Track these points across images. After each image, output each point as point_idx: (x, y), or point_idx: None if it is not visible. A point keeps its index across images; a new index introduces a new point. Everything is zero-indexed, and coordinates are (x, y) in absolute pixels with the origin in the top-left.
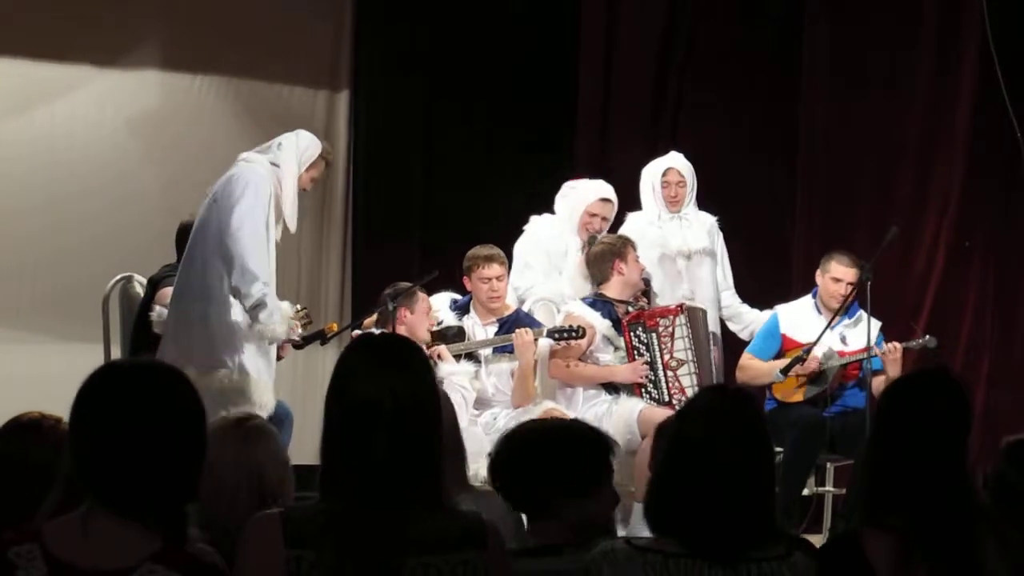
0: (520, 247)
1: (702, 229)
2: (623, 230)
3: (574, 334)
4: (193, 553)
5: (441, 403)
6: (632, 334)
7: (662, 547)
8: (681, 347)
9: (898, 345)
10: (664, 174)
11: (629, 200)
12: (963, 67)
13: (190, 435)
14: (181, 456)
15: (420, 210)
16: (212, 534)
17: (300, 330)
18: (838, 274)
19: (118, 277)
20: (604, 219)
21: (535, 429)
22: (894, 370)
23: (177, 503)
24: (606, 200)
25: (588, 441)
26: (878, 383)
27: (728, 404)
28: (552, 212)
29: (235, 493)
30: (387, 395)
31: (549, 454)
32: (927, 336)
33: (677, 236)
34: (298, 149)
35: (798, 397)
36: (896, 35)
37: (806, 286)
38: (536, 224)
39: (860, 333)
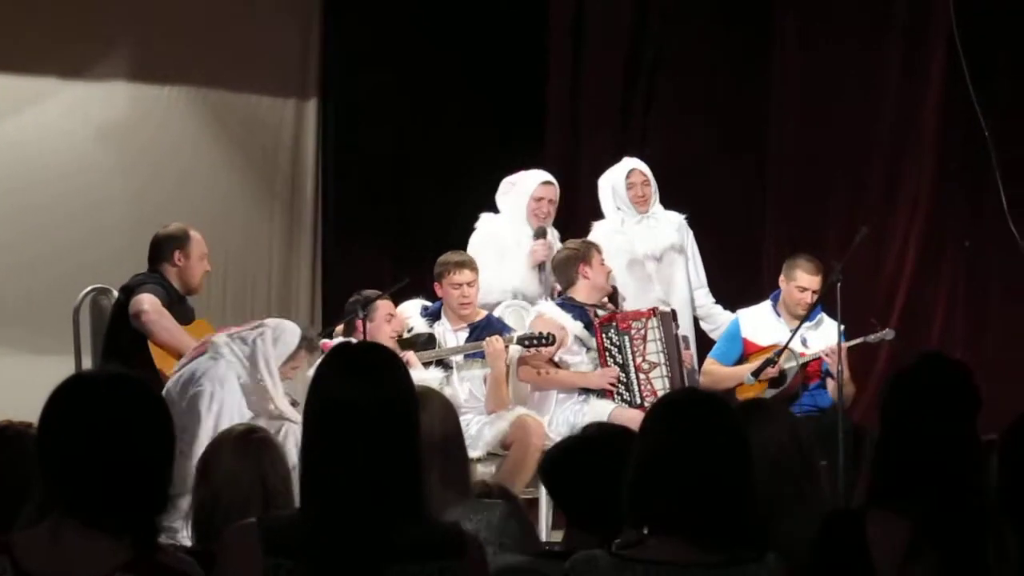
0: (471, 244)
1: (671, 227)
2: (590, 238)
3: (544, 341)
4: (164, 562)
5: (443, 412)
6: (604, 336)
7: (644, 555)
8: (653, 350)
9: (844, 346)
10: (628, 176)
11: (599, 205)
12: (931, 67)
13: (158, 445)
14: (149, 466)
15: (391, 216)
16: (213, 545)
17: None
18: (803, 283)
19: (89, 288)
20: (550, 201)
21: (603, 436)
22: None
23: (146, 513)
24: (547, 183)
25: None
26: (832, 386)
27: (703, 403)
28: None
29: (240, 504)
30: (366, 403)
31: (611, 462)
32: (886, 329)
33: (645, 239)
34: (278, 346)
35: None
36: (864, 35)
37: (777, 286)
38: (485, 220)
39: (821, 335)
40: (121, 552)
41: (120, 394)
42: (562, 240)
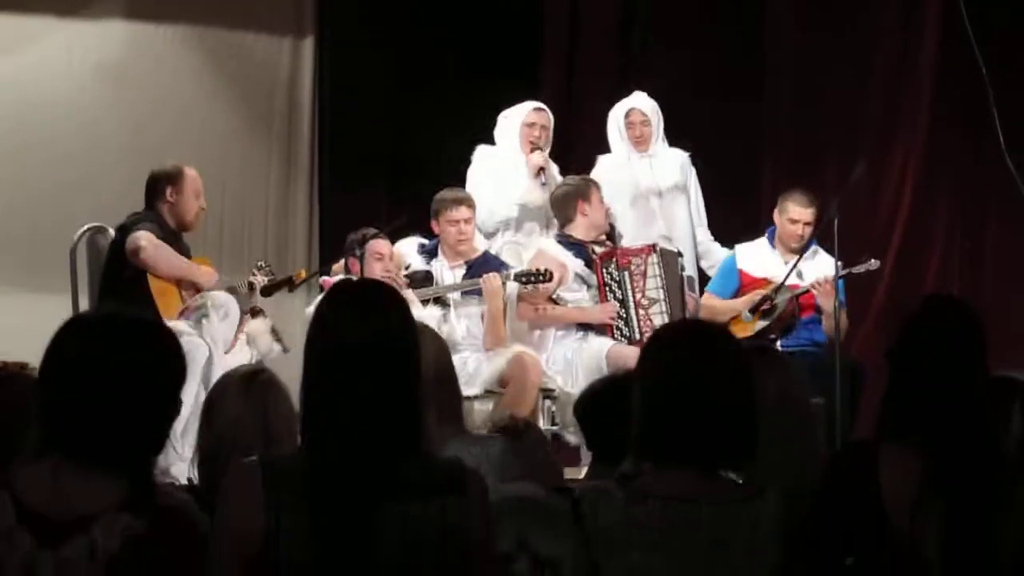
0: (469, 175)
1: (674, 165)
2: (594, 173)
3: (541, 277)
4: (161, 503)
5: (436, 348)
6: (604, 271)
7: (654, 489)
8: (653, 286)
9: (828, 277)
10: (627, 115)
11: (600, 143)
12: (928, 4)
13: (158, 386)
14: (148, 407)
15: (387, 155)
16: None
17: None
18: (795, 215)
19: (86, 227)
20: (542, 127)
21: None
22: (827, 303)
23: (143, 452)
24: (538, 109)
25: None
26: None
27: (701, 332)
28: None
29: (244, 446)
30: (366, 340)
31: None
32: (871, 260)
33: (647, 175)
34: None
35: (741, 332)
36: None
37: (774, 222)
38: (481, 152)
39: (816, 267)
40: (117, 491)
41: (120, 335)
42: (561, 176)
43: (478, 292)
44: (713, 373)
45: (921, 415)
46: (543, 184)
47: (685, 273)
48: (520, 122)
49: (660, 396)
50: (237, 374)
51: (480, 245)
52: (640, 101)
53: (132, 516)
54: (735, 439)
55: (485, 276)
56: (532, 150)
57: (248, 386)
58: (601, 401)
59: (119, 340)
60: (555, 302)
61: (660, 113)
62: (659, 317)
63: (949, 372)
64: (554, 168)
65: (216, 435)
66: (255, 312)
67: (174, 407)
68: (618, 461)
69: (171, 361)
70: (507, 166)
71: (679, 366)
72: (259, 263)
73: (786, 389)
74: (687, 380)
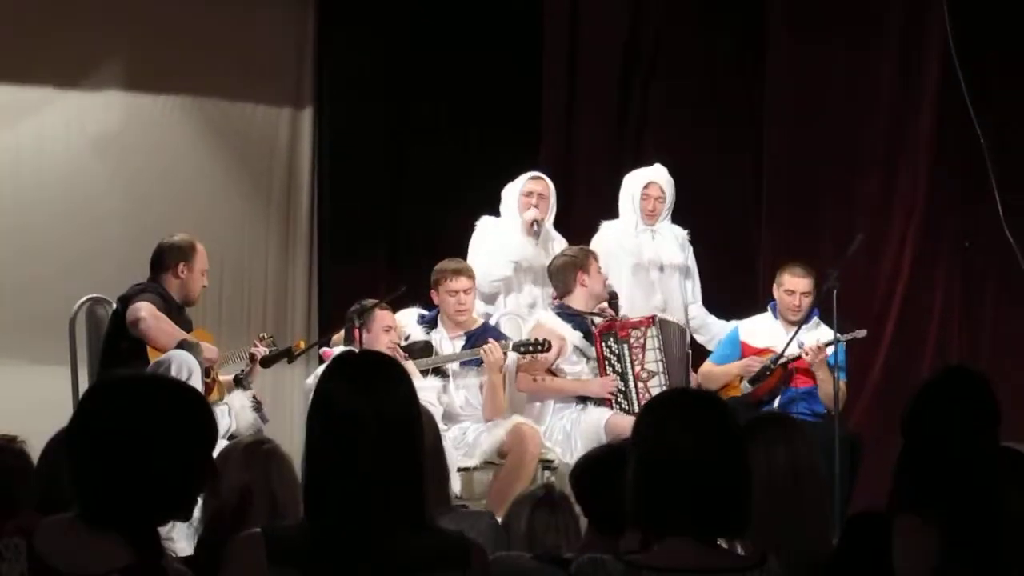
0: (471, 244)
1: (675, 243)
2: (598, 237)
3: (540, 347)
4: (167, 566)
5: (424, 422)
6: (604, 344)
7: (651, 561)
8: (652, 359)
9: (820, 345)
10: (645, 187)
11: (597, 209)
12: (925, 71)
13: (187, 451)
14: (176, 472)
15: (386, 226)
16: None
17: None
18: (790, 286)
19: (85, 298)
20: (540, 195)
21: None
22: (822, 371)
23: (162, 518)
24: (536, 178)
25: None
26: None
27: (693, 401)
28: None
29: (249, 515)
30: (369, 412)
31: None
32: (859, 330)
33: (650, 247)
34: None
35: (734, 393)
36: (859, 41)
37: (772, 294)
38: (484, 221)
39: (817, 337)
40: (123, 555)
41: (151, 398)
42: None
43: (477, 362)
44: (704, 442)
45: (937, 486)
46: (537, 239)
47: (689, 352)
48: (518, 192)
49: (652, 466)
50: (241, 444)
51: (479, 316)
52: (660, 175)
53: None
54: (729, 508)
55: (486, 346)
56: (530, 219)
57: (253, 455)
58: (597, 470)
59: (149, 404)
60: (554, 374)
61: (674, 189)
62: (658, 389)
63: (965, 443)
64: (558, 237)
65: (221, 504)
66: (237, 381)
67: (204, 473)
68: (615, 530)
69: (202, 426)
70: (502, 233)
71: (670, 436)
72: (261, 334)
73: (800, 457)
74: (678, 450)
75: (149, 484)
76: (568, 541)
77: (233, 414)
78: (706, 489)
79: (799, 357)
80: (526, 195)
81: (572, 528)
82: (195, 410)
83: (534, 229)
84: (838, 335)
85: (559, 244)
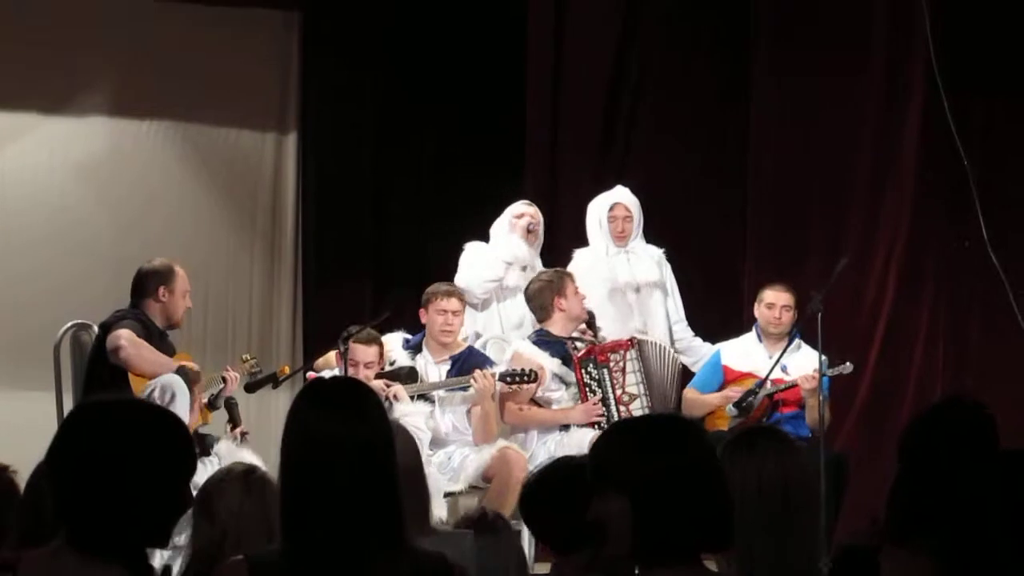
0: (460, 264)
1: (651, 262)
2: (572, 266)
3: (526, 378)
4: None
5: (404, 444)
6: (584, 371)
7: None
8: (633, 381)
9: (812, 375)
10: (611, 209)
11: (581, 238)
12: (909, 97)
13: (167, 477)
14: (157, 498)
15: (370, 251)
16: None
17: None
18: (770, 299)
19: (69, 324)
20: (531, 216)
21: (578, 464)
22: (812, 398)
23: (146, 544)
24: (526, 203)
25: None
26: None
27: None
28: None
29: (245, 540)
30: (342, 438)
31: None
32: (845, 363)
33: (625, 270)
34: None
35: (722, 425)
36: (844, 67)
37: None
38: (471, 245)
39: (800, 361)
40: None
41: (132, 423)
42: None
43: (463, 387)
44: (670, 467)
45: (932, 517)
46: (531, 245)
47: (673, 362)
48: (510, 216)
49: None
50: (237, 470)
51: (464, 339)
52: (624, 196)
53: None
54: (704, 529)
55: (477, 373)
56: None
57: (250, 482)
58: (548, 490)
59: (129, 428)
60: (536, 403)
61: (641, 209)
62: (640, 412)
63: (964, 475)
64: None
65: (218, 530)
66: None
67: (184, 499)
68: (572, 547)
69: (179, 453)
70: (499, 251)
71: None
72: (244, 356)
73: (791, 472)
74: (643, 476)
75: (127, 509)
76: (505, 563)
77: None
78: (677, 514)
79: (787, 388)
80: (517, 216)
81: (509, 551)
82: (173, 436)
83: (530, 232)
84: (824, 370)
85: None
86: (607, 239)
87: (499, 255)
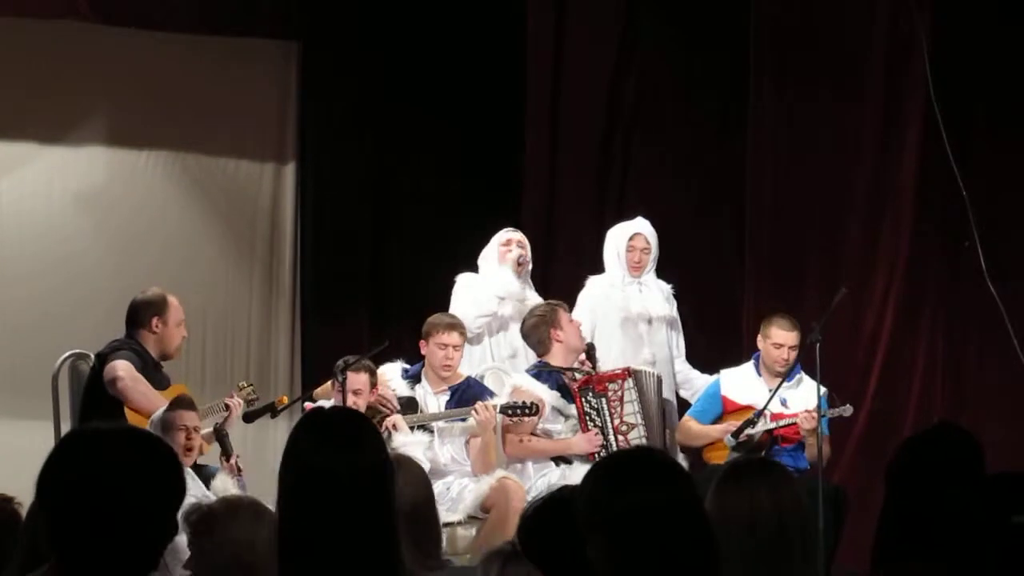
0: (452, 299)
1: (660, 296)
2: (585, 292)
3: (528, 411)
4: None
5: (414, 477)
6: (583, 400)
7: None
8: (631, 411)
9: (812, 415)
10: (631, 239)
11: (579, 264)
12: (908, 126)
13: (155, 503)
14: (144, 523)
15: (369, 281)
16: None
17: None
18: (779, 339)
19: (67, 354)
20: (519, 243)
21: (574, 493)
22: (811, 438)
23: (136, 570)
24: (510, 230)
25: None
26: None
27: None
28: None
29: (255, 568)
30: (339, 469)
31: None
32: (845, 405)
33: (637, 301)
34: None
35: (719, 459)
36: (841, 94)
37: (756, 346)
38: (463, 278)
39: (801, 395)
40: None
41: (120, 450)
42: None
43: (462, 418)
44: (653, 506)
45: (921, 541)
46: (520, 278)
47: (664, 397)
48: (496, 244)
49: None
50: (246, 500)
51: (464, 371)
52: (644, 227)
53: None
54: (686, 566)
55: (478, 405)
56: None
57: (256, 512)
58: (546, 523)
59: (119, 454)
60: (535, 435)
61: (658, 242)
62: (638, 441)
63: (951, 499)
64: (533, 293)
65: (226, 559)
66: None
67: (171, 525)
68: None
69: (169, 478)
70: (489, 277)
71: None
72: (240, 383)
73: (786, 503)
74: (628, 513)
75: (116, 536)
76: None
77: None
78: (661, 552)
79: (787, 425)
80: (504, 244)
81: None
82: (162, 462)
83: (520, 265)
84: (824, 410)
85: (534, 297)
86: (623, 269)
87: (492, 291)
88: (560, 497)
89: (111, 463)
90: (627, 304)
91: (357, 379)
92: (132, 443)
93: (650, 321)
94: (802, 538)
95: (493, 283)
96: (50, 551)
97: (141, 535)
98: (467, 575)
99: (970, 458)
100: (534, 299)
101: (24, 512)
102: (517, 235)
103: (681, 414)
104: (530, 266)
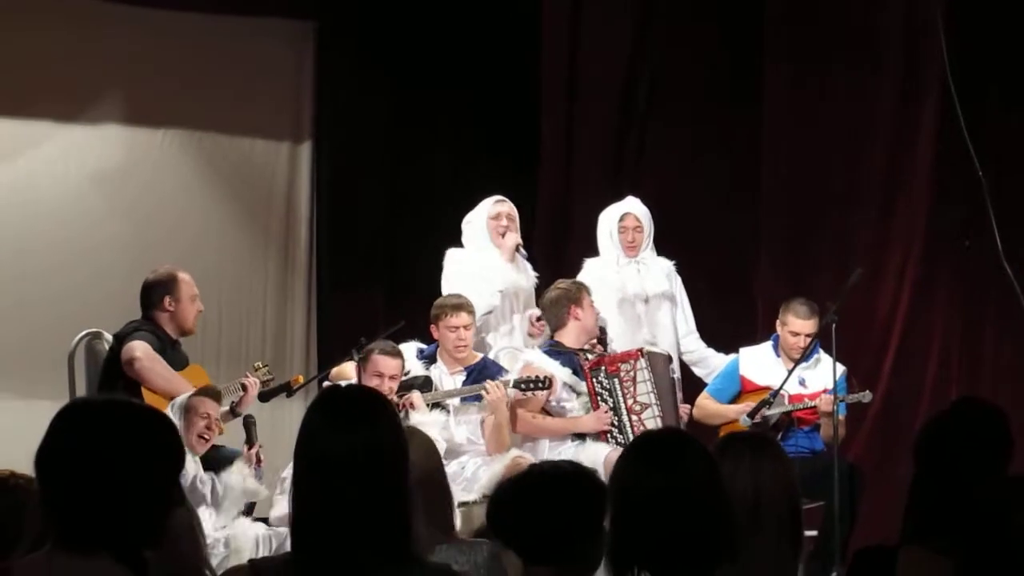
0: (443, 279)
1: (660, 273)
2: (582, 276)
3: (540, 385)
4: None
5: (424, 448)
6: (594, 380)
7: None
8: (644, 391)
9: (829, 399)
10: (621, 219)
11: (594, 245)
12: (924, 106)
13: (157, 474)
14: (147, 495)
15: (385, 259)
16: None
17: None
18: (795, 327)
19: (83, 333)
20: (508, 215)
21: (543, 472)
22: (826, 421)
23: (140, 542)
24: (500, 201)
25: (594, 486)
26: (825, 429)
27: (668, 446)
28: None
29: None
30: (354, 448)
31: (556, 497)
32: (865, 391)
33: (635, 281)
34: None
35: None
36: (857, 75)
37: (771, 327)
38: (452, 254)
39: (820, 375)
40: None
41: (117, 421)
42: (550, 281)
43: (477, 397)
44: (681, 485)
45: (949, 516)
46: (518, 266)
47: (675, 376)
48: (486, 217)
49: (629, 510)
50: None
51: (479, 350)
52: (635, 206)
53: None
54: (708, 546)
55: (488, 384)
56: (503, 235)
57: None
58: (517, 500)
59: (116, 427)
60: (547, 412)
61: (652, 220)
62: (652, 421)
63: (980, 474)
64: (526, 264)
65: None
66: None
67: (171, 497)
68: (543, 560)
69: (168, 450)
70: (481, 262)
71: (646, 480)
72: (256, 364)
73: (764, 478)
74: (653, 494)
75: (116, 507)
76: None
77: (222, 485)
78: (682, 532)
79: (806, 408)
80: (494, 218)
81: (496, 564)
82: (160, 433)
83: (518, 259)
84: (842, 394)
85: (526, 270)
86: (618, 250)
87: (494, 286)
88: (532, 474)
89: (109, 434)
90: (623, 285)
91: (393, 364)
92: (127, 414)
93: (647, 300)
94: (779, 516)
95: (492, 276)
96: (51, 529)
97: (140, 506)
98: (472, 549)
99: (997, 432)
100: (526, 275)
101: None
102: (506, 206)
103: (696, 392)
104: (519, 235)
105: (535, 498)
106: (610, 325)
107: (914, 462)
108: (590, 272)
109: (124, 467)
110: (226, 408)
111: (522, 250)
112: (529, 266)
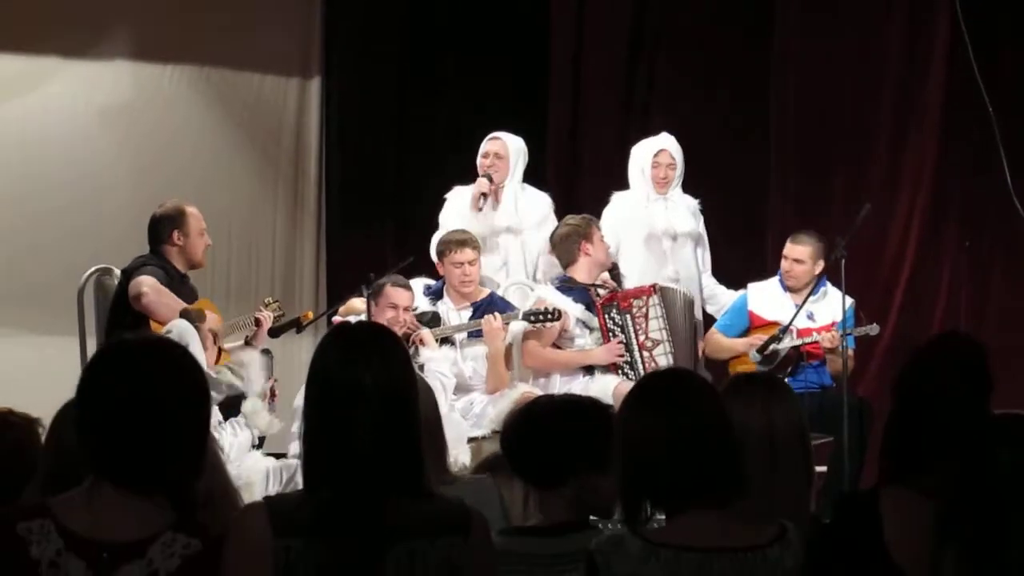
0: (441, 218)
1: (687, 212)
2: (609, 208)
3: (550, 316)
4: (205, 523)
5: (422, 394)
6: (606, 316)
7: (669, 539)
8: (656, 327)
9: (836, 334)
10: (656, 155)
11: (604, 181)
12: (934, 44)
13: (197, 410)
14: (190, 430)
15: (394, 195)
16: None
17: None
18: (786, 251)
19: (93, 269)
20: (496, 154)
21: (555, 401)
22: (831, 357)
23: (184, 476)
24: (493, 138)
25: (605, 416)
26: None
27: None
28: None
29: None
30: (365, 383)
31: (569, 424)
32: (872, 324)
33: (663, 217)
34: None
35: (744, 367)
36: (867, 11)
37: (780, 262)
38: (455, 191)
39: (827, 308)
40: (166, 513)
41: (161, 359)
42: (560, 216)
43: (479, 330)
44: (689, 423)
45: (923, 456)
46: (481, 210)
47: (698, 320)
48: (479, 159)
49: (636, 451)
50: None
51: (488, 286)
52: (669, 143)
53: (187, 536)
54: (716, 482)
55: (486, 317)
56: (483, 175)
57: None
58: (526, 426)
59: (157, 366)
60: (558, 348)
61: (684, 157)
62: (663, 358)
63: (958, 409)
64: (531, 192)
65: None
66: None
67: (206, 431)
68: (552, 482)
69: (204, 386)
70: (457, 206)
71: (654, 419)
72: (267, 299)
73: (778, 419)
74: (657, 435)
75: (159, 444)
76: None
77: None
78: (688, 466)
79: (813, 342)
80: (483, 156)
81: (492, 499)
82: (194, 372)
83: (480, 204)
84: (850, 328)
85: (532, 197)
86: (648, 186)
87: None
88: (541, 403)
89: (149, 374)
90: (652, 221)
91: (404, 295)
92: (166, 353)
93: (675, 237)
94: (792, 453)
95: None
96: (88, 467)
97: (184, 442)
98: (476, 486)
99: (975, 366)
100: (534, 198)
101: (44, 434)
102: (497, 145)
103: (707, 329)
104: (520, 170)
105: (543, 424)
106: (635, 261)
107: (892, 398)
108: (618, 205)
109: (168, 405)
110: (239, 342)
111: (513, 184)
112: (530, 195)
